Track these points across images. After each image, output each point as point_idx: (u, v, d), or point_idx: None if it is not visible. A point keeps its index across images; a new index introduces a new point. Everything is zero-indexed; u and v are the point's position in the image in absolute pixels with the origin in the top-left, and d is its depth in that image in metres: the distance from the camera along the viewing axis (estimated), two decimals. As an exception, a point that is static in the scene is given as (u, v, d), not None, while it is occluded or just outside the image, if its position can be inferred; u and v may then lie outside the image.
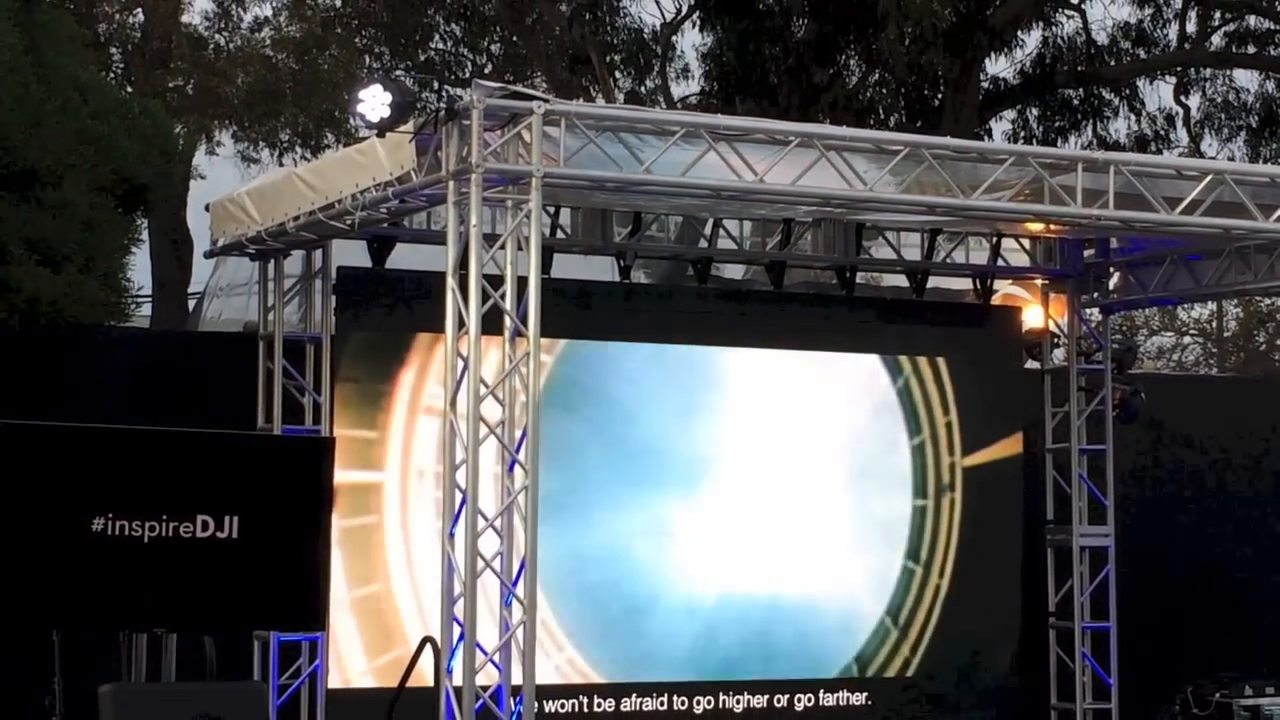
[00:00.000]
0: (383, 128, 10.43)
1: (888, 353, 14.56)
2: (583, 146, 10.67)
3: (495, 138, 10.43)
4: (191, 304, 22.29)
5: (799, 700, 14.05)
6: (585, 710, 13.40)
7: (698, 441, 13.93)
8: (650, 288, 15.40)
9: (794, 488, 14.20)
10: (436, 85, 10.80)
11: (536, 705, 10.77)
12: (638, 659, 13.68)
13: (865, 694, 14.28)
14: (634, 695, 13.62)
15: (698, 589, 13.82)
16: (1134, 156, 14.22)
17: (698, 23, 23.56)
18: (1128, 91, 24.72)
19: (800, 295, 14.90)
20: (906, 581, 14.51)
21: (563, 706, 13.28)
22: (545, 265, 11.73)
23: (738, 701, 13.86)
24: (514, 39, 25.39)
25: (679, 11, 24.54)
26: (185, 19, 22.45)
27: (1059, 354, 15.55)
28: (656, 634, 13.74)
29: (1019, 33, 23.57)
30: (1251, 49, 24.54)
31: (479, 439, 10.38)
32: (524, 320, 10.47)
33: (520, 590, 10.45)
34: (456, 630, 10.38)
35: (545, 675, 11.82)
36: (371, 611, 12.96)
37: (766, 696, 13.96)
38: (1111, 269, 15.18)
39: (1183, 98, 25.27)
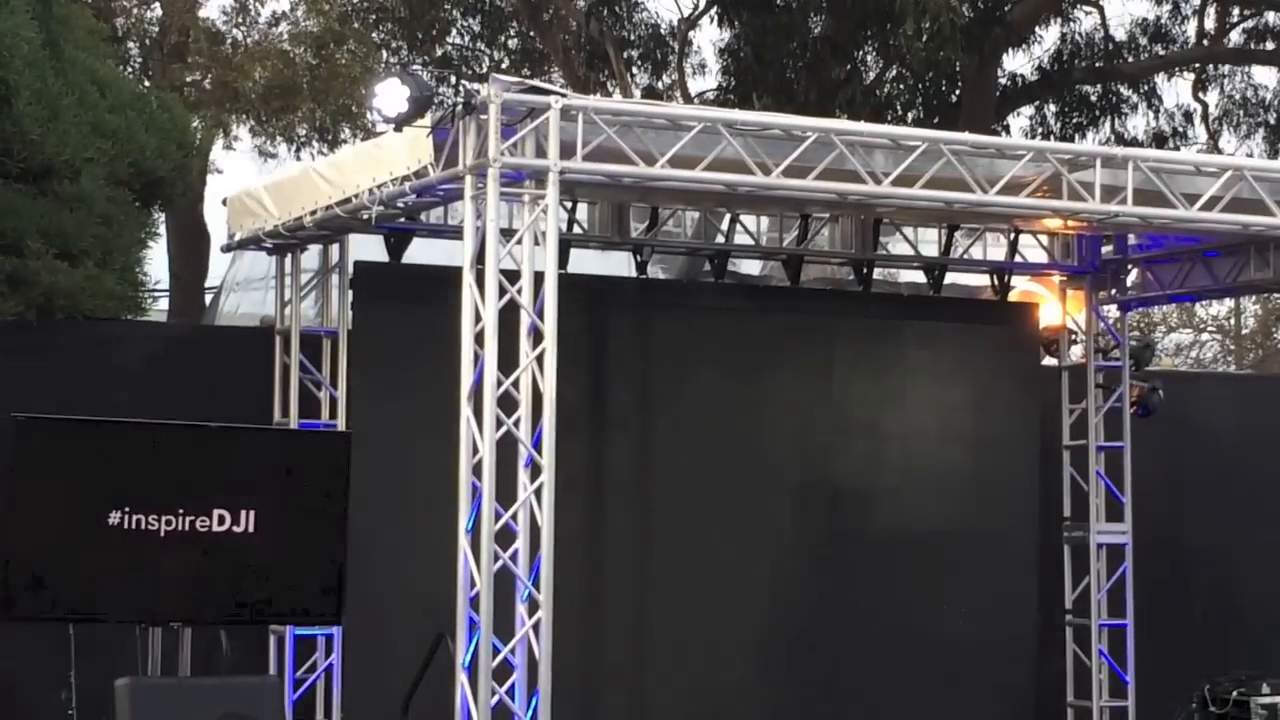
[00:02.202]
0: (400, 122, 10.42)
1: (904, 348, 14.54)
2: (600, 141, 10.66)
3: (512, 133, 10.41)
4: (208, 298, 22.34)
5: (804, 695, 14.05)
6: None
7: (709, 439, 13.89)
8: (667, 283, 15.39)
9: (808, 486, 14.18)
10: (454, 80, 10.78)
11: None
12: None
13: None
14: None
15: (698, 588, 13.79)
16: (1152, 153, 14.23)
17: (715, 18, 23.60)
18: (1146, 88, 24.73)
19: (817, 290, 14.88)
20: (922, 578, 14.49)
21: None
22: (562, 260, 11.71)
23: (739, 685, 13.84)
24: (531, 34, 25.42)
25: (696, 7, 24.58)
26: (203, 13, 22.49)
27: (1076, 351, 15.51)
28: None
29: (1037, 29, 23.59)
30: (1270, 45, 24.52)
31: (496, 434, 10.37)
32: (541, 315, 10.46)
33: (536, 586, 10.43)
34: (472, 626, 10.37)
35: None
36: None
37: (771, 689, 13.96)
38: (1129, 265, 15.14)
39: (1201, 94, 25.26)
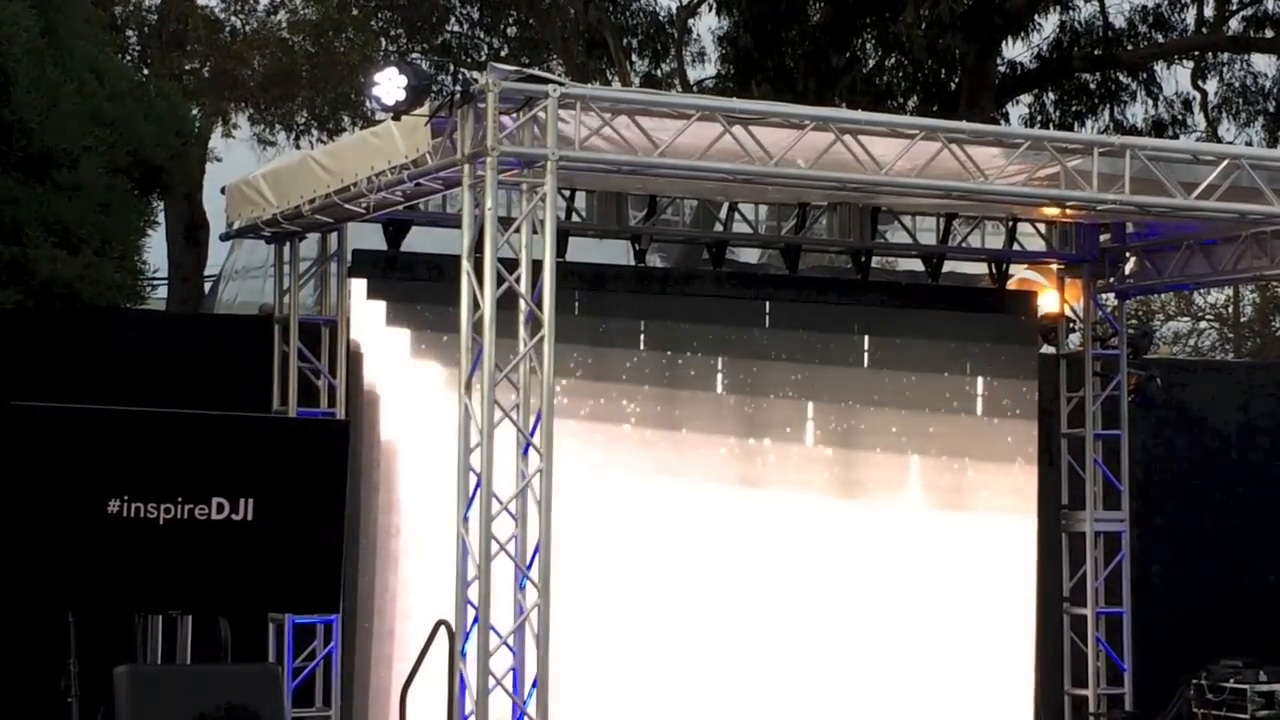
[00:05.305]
0: (398, 111, 10.43)
1: (902, 336, 14.56)
2: (598, 129, 10.66)
3: (511, 121, 10.42)
4: (207, 287, 22.34)
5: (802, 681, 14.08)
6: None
7: (707, 427, 13.92)
8: (665, 271, 15.40)
9: (806, 472, 14.20)
10: (452, 68, 10.79)
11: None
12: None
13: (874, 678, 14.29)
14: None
15: (697, 574, 13.82)
16: (1150, 141, 14.19)
17: (714, 6, 23.57)
18: (1145, 76, 24.70)
19: (815, 279, 14.89)
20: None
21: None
22: (560, 249, 11.72)
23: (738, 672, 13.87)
24: (530, 22, 25.39)
25: (695, -5, 24.55)
26: (201, 1, 22.47)
27: (1074, 339, 15.53)
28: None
29: (1036, 16, 23.56)
30: (1270, 33, 24.48)
31: (494, 422, 10.39)
32: (539, 304, 10.47)
33: (534, 574, 10.45)
34: (470, 613, 10.40)
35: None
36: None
37: (771, 677, 13.98)
38: (1127, 254, 15.15)
39: (1200, 82, 25.23)
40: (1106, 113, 24.50)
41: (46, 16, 14.14)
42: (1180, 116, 24.93)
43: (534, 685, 10.38)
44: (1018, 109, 24.86)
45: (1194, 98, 25.15)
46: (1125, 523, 15.00)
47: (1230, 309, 36.16)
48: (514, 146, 10.42)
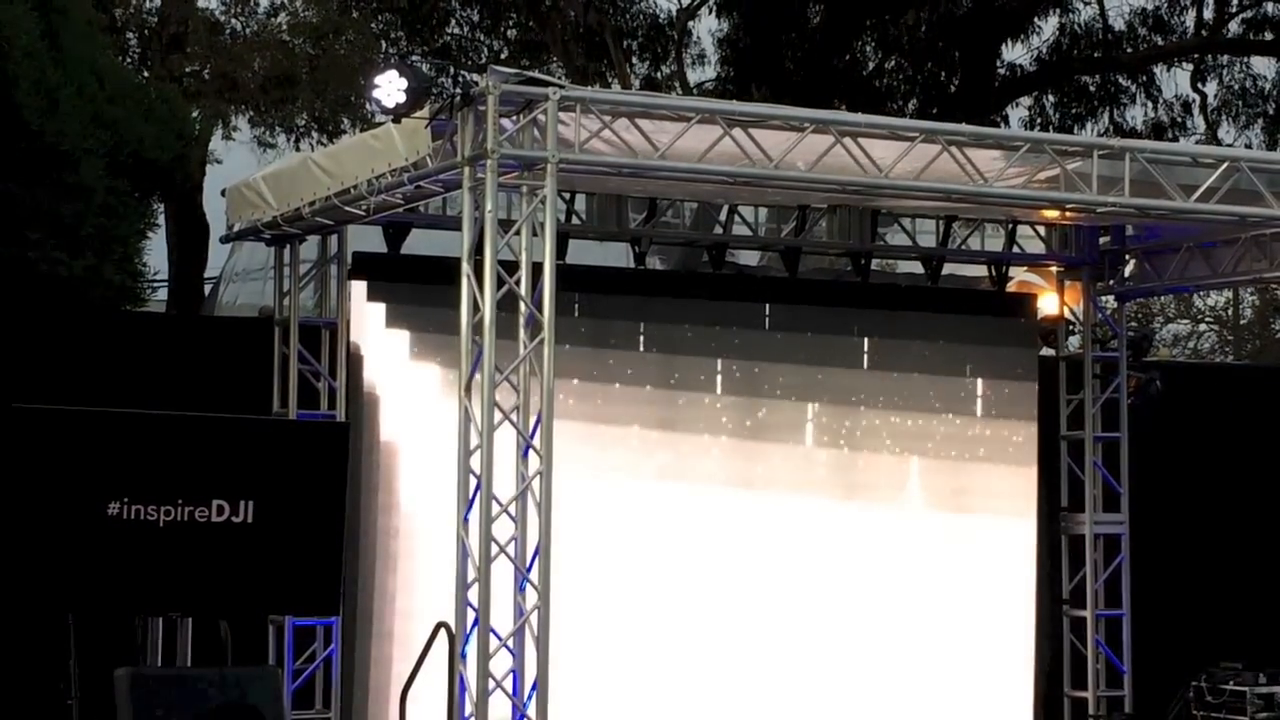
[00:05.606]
0: (398, 113, 10.44)
1: (902, 339, 14.57)
2: (598, 132, 10.67)
3: (511, 123, 10.43)
4: (207, 289, 22.33)
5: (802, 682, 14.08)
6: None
7: (706, 429, 13.93)
8: (665, 274, 15.41)
9: (804, 475, 14.21)
10: (452, 71, 10.80)
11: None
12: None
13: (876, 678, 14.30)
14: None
15: (697, 575, 13.83)
16: (1150, 144, 14.18)
17: (714, 8, 23.61)
18: (1144, 78, 24.74)
19: (815, 282, 14.90)
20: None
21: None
22: (560, 251, 11.73)
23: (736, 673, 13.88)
24: (530, 24, 25.41)
25: (695, -2, 24.58)
26: (201, 3, 22.46)
27: (1074, 341, 15.54)
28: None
29: (1036, 19, 23.60)
30: (1269, 36, 24.52)
31: (494, 424, 10.40)
32: (539, 306, 10.48)
33: (534, 576, 10.46)
34: (470, 615, 10.40)
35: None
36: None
37: (770, 678, 13.99)
38: (1127, 256, 15.16)
39: (1200, 85, 25.28)
40: (1106, 115, 24.55)
41: (48, 19, 14.18)
42: (1180, 119, 24.98)
43: (534, 687, 10.39)
44: (1017, 111, 24.92)
45: (1193, 100, 25.20)
46: (1125, 525, 15.00)
47: (1230, 311, 36.19)
48: (514, 149, 10.43)
